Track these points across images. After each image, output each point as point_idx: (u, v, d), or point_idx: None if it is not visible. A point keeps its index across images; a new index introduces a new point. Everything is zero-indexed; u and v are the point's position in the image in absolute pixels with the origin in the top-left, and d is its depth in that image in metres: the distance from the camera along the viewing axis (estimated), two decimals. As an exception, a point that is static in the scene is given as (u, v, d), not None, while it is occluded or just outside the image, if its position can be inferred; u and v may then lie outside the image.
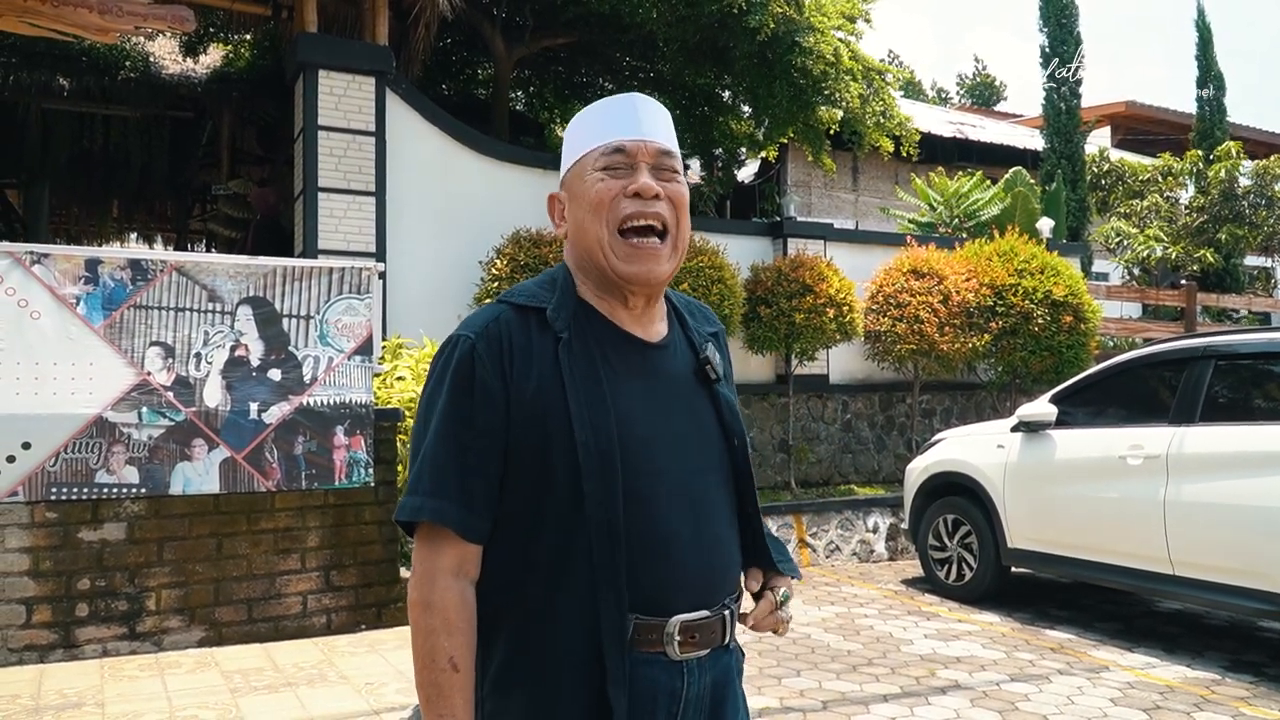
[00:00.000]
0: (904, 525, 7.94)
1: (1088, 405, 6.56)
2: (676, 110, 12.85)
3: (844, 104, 9.93)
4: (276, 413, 5.34)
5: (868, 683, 5.09)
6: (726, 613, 1.53)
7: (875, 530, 8.90)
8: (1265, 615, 5.39)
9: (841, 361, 10.26)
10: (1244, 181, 14.53)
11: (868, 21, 11.11)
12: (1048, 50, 14.32)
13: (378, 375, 5.71)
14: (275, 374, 5.36)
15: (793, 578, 1.69)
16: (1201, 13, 16.76)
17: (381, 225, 8.32)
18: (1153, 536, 5.72)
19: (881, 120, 10.54)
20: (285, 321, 5.40)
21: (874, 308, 9.60)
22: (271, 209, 10.25)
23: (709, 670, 1.51)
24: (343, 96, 8.21)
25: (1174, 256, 14.34)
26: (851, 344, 9.66)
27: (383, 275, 5.91)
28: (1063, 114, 14.28)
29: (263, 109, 11.46)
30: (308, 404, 5.40)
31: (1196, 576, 5.54)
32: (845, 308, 9.05)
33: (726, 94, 12.64)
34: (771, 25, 8.92)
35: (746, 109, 12.74)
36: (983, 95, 35.23)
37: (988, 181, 13.80)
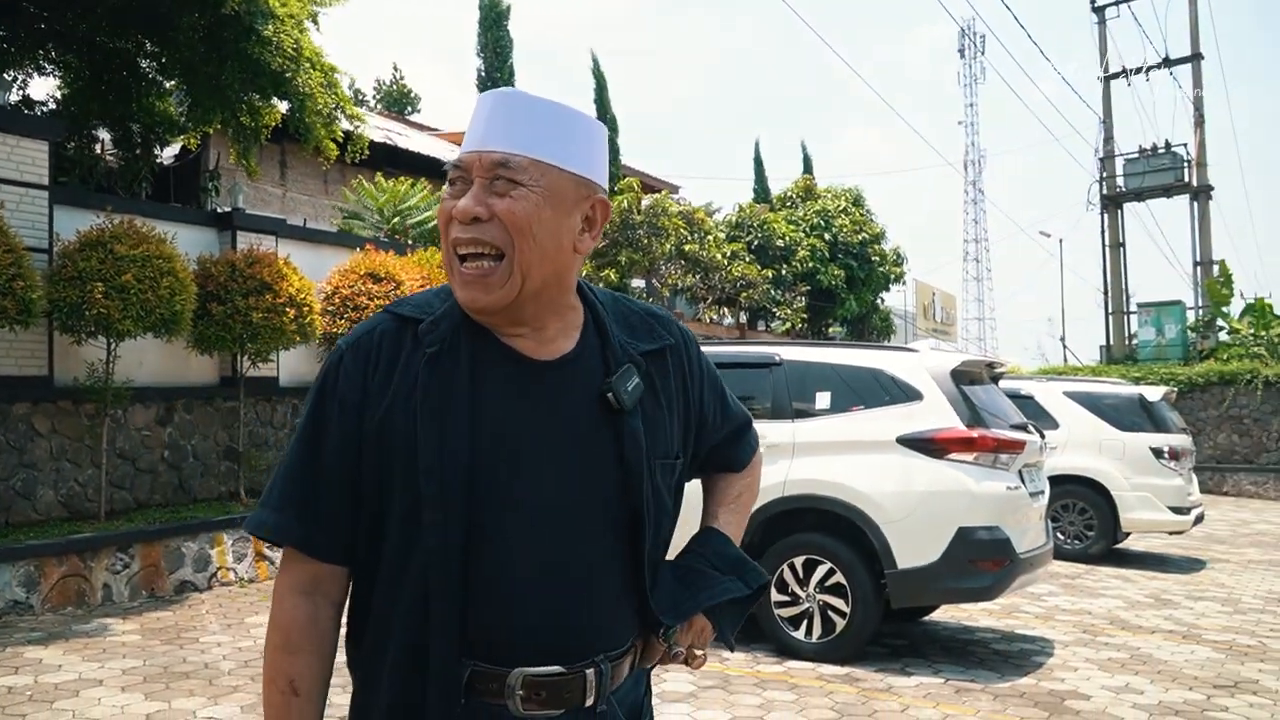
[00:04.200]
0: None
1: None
2: (87, 73, 11.25)
3: (304, 94, 9.52)
4: None
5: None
6: (590, 671, 1.35)
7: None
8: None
9: (292, 363, 9.83)
10: (634, 216, 16.81)
11: (315, 23, 10.76)
12: (483, 74, 15.17)
13: None
14: None
15: (699, 606, 1.49)
16: (596, 62, 18.98)
17: None
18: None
19: (335, 117, 10.29)
20: None
21: (330, 309, 9.38)
22: None
23: None
24: None
25: (583, 274, 16.08)
26: (304, 346, 9.31)
27: None
28: (495, 135, 15.21)
29: None
30: None
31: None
32: (305, 308, 8.70)
33: (147, 63, 11.33)
34: (234, 2, 8.26)
35: (168, 84, 11.56)
36: (399, 104, 36.05)
37: (426, 190, 14.19)
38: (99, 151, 12.46)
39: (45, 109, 11.85)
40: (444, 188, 1.38)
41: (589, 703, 1.35)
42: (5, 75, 11.49)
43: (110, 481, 8.02)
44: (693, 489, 1.61)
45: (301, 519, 1.36)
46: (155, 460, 8.61)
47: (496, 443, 1.33)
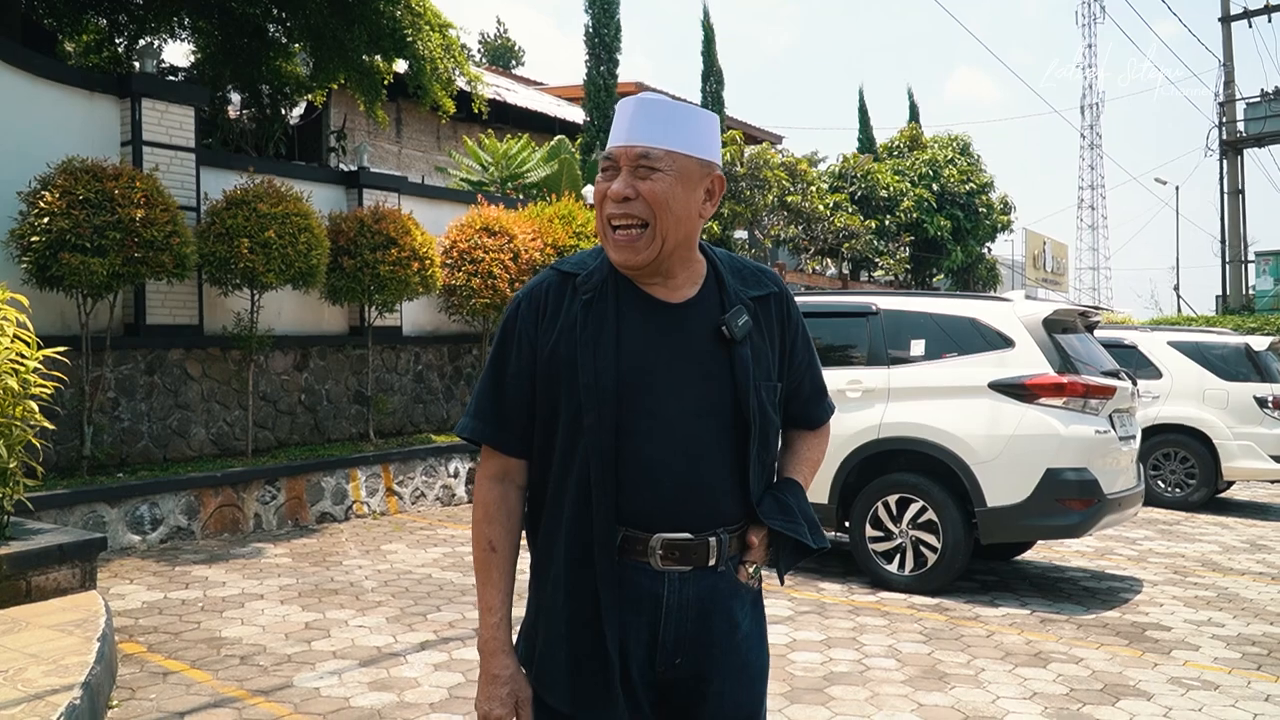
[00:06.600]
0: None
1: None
2: (219, 37, 11.97)
3: (424, 57, 10.03)
4: None
5: (504, 610, 5.52)
6: (713, 539, 1.76)
7: (456, 475, 9.32)
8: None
9: (413, 314, 10.47)
10: (736, 168, 17.01)
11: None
12: (591, 31, 15.50)
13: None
14: None
15: (779, 528, 1.80)
16: (707, 14, 19.10)
17: None
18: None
19: (453, 78, 10.81)
20: None
21: (449, 262, 9.95)
22: None
23: (692, 584, 1.75)
24: None
25: (686, 226, 16.41)
26: (425, 297, 9.91)
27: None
28: (602, 90, 15.58)
29: None
30: None
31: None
32: (427, 261, 9.28)
33: (272, 28, 11.99)
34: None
35: (294, 46, 12.22)
36: (503, 58, 36.66)
37: (533, 145, 14.67)
38: (231, 114, 13.26)
39: (181, 74, 12.66)
40: (599, 173, 1.80)
41: (711, 563, 1.77)
42: (142, 40, 12.28)
43: (255, 422, 8.78)
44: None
45: (492, 425, 1.82)
46: (294, 403, 9.36)
47: (637, 365, 1.74)
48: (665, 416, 1.74)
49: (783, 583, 2.06)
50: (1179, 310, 26.60)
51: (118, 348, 7.98)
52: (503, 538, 1.82)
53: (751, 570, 1.83)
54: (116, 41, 12.64)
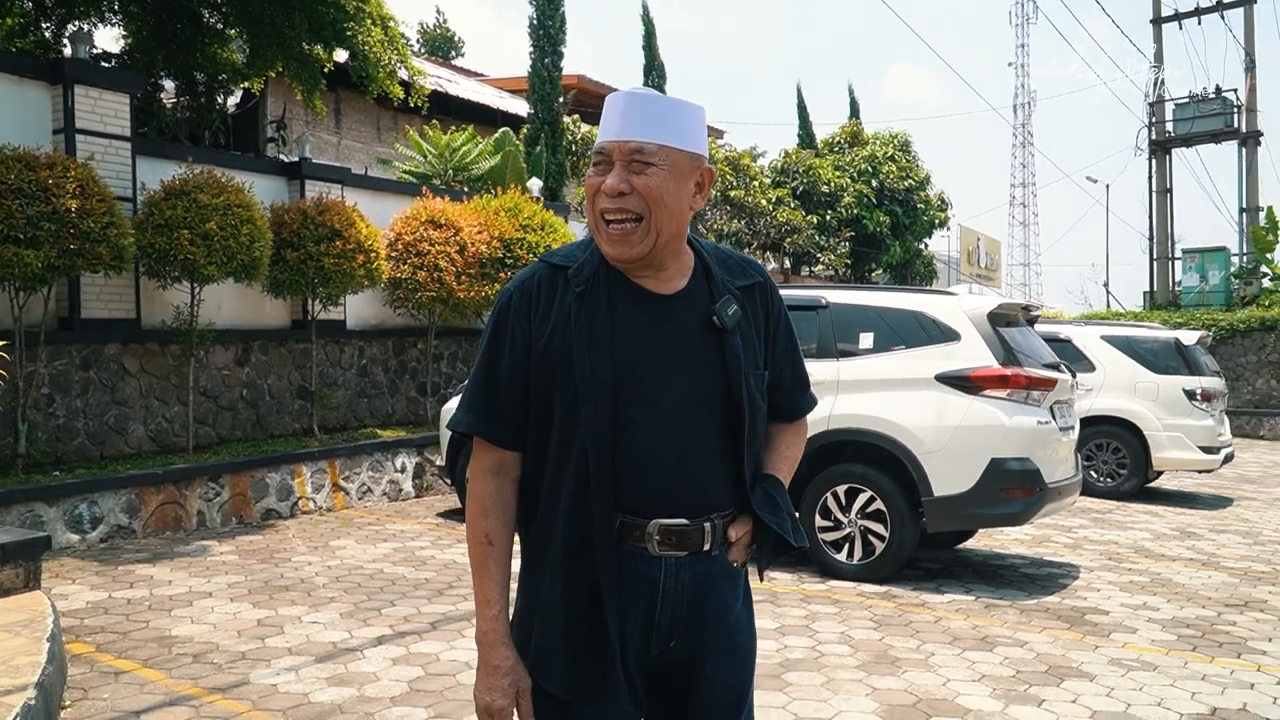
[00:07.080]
0: (437, 462, 8.42)
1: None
2: (151, 22, 11.68)
3: (365, 48, 9.91)
4: None
5: (460, 603, 5.52)
6: (708, 525, 1.79)
7: (403, 470, 9.24)
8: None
9: (358, 307, 10.34)
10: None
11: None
12: (535, 22, 15.40)
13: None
14: None
15: (766, 519, 1.83)
16: (646, 9, 19.06)
17: None
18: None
19: (394, 70, 10.70)
20: None
21: (394, 255, 9.85)
22: None
23: (688, 569, 1.79)
24: None
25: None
26: (369, 290, 9.80)
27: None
28: (546, 83, 15.49)
29: None
30: None
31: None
32: (372, 254, 9.18)
33: (208, 14, 11.73)
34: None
35: (230, 33, 11.97)
36: (442, 49, 36.25)
37: (478, 138, 14.57)
38: (164, 102, 12.94)
39: (113, 60, 12.31)
40: (590, 167, 1.81)
41: (706, 548, 1.81)
42: (71, 24, 11.90)
43: (195, 418, 8.61)
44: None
45: (486, 418, 1.82)
46: (235, 398, 9.19)
47: (632, 356, 1.77)
48: (658, 407, 1.77)
49: (762, 579, 2.06)
50: (1108, 306, 27.37)
51: (52, 343, 7.76)
52: (499, 531, 1.82)
53: (735, 565, 1.87)
54: (44, 26, 12.25)
